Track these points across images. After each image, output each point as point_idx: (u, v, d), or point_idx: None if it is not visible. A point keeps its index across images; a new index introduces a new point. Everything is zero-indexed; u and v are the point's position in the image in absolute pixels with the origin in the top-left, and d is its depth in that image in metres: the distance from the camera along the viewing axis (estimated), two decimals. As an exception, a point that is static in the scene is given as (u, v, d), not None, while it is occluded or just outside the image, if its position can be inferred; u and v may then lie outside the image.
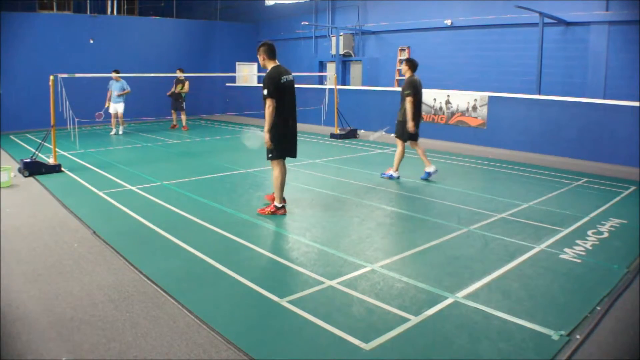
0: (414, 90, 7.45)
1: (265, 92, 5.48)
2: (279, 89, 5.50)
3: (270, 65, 5.68)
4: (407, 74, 7.59)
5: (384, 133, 7.99)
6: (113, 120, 13.36)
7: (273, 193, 5.93)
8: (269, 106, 5.48)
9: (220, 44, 19.38)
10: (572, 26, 11.35)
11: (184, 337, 3.12)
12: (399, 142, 7.77)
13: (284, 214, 5.83)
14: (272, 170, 5.82)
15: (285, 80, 5.58)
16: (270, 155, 5.74)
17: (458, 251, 4.68)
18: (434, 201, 6.49)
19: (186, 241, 4.83)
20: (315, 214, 5.94)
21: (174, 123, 14.72)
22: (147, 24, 17.76)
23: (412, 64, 7.60)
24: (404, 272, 4.13)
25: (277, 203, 5.83)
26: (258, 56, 5.75)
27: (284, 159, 5.84)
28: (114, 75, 12.29)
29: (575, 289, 3.91)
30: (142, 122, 13.00)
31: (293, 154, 5.92)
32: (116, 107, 13.01)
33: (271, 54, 5.67)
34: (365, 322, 3.30)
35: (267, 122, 5.54)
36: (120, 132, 13.45)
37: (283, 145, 5.73)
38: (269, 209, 5.83)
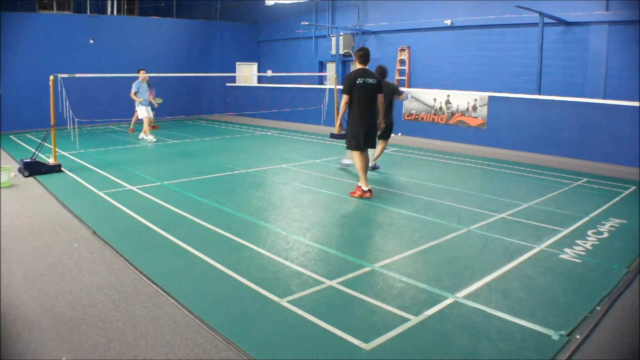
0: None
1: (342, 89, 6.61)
2: (353, 87, 6.41)
3: (357, 67, 6.57)
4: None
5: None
6: (149, 125, 12.17)
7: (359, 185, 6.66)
8: (342, 100, 6.52)
9: (220, 44, 19.38)
10: (572, 26, 11.34)
11: (184, 337, 3.12)
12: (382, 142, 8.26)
13: (370, 197, 6.52)
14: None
15: (360, 81, 6.41)
16: (346, 146, 6.74)
17: (458, 251, 4.68)
18: (434, 201, 6.49)
19: (186, 241, 4.83)
20: (315, 214, 5.94)
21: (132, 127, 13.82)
22: (147, 24, 17.76)
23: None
24: (404, 272, 4.13)
25: (363, 187, 6.57)
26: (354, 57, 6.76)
27: (362, 150, 6.55)
28: (142, 75, 11.69)
29: (575, 289, 3.91)
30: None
31: (369, 145, 6.65)
32: (149, 110, 12.12)
33: (360, 59, 6.55)
34: (365, 322, 3.30)
35: (340, 113, 6.70)
36: (153, 140, 12.09)
37: (357, 138, 6.51)
38: (358, 193, 6.59)
